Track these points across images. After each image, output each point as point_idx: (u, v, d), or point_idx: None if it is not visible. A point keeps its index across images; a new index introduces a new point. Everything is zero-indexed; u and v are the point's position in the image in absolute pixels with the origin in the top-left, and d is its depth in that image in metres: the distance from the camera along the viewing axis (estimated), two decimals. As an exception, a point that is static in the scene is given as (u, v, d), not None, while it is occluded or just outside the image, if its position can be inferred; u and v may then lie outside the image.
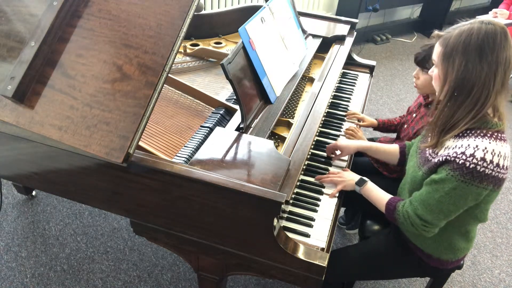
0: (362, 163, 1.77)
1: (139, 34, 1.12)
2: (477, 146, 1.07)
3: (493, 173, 1.07)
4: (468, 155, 1.07)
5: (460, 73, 1.08)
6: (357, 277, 1.64)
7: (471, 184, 1.08)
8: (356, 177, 1.39)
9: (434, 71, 1.18)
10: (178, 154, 1.30)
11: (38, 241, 2.00)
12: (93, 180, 1.23)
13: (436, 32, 1.18)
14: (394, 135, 1.87)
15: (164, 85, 1.20)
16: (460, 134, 1.13)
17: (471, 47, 1.06)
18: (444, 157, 1.11)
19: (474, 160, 1.06)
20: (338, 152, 1.55)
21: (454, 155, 1.09)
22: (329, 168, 1.51)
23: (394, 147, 1.53)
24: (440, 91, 1.16)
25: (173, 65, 1.77)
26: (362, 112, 1.88)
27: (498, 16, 3.38)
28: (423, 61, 1.50)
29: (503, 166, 1.08)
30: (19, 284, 1.81)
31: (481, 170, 1.06)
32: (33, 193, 2.24)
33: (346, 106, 1.88)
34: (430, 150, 1.22)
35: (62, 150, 1.19)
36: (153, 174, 1.12)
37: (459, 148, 1.10)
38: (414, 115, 1.66)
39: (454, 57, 1.09)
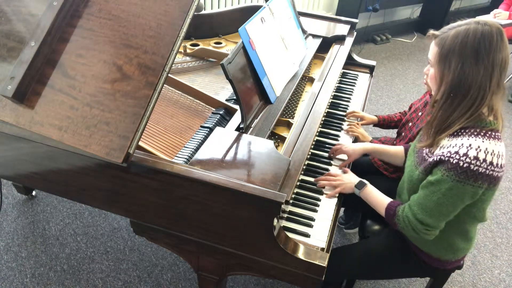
0: (362, 163, 1.77)
1: (139, 34, 1.12)
2: (470, 145, 1.08)
3: (487, 171, 1.07)
4: (461, 155, 1.07)
5: (456, 75, 1.09)
6: (357, 276, 1.64)
7: (466, 183, 1.08)
8: (355, 179, 1.39)
9: (430, 71, 1.18)
10: (178, 154, 1.30)
11: (38, 241, 2.00)
12: (93, 180, 1.23)
13: (431, 31, 1.17)
14: (394, 135, 1.87)
15: (164, 85, 1.20)
16: (455, 133, 1.14)
17: (467, 49, 1.07)
18: (439, 157, 1.12)
19: (468, 159, 1.06)
20: (341, 156, 1.55)
21: (448, 154, 1.10)
22: (329, 168, 1.51)
23: (399, 149, 1.53)
24: (437, 91, 1.16)
25: (173, 65, 1.77)
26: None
27: (497, 18, 3.38)
28: None
29: (497, 164, 1.08)
30: (19, 284, 1.81)
31: (474, 169, 1.06)
32: (33, 193, 2.24)
33: (346, 106, 1.88)
34: (427, 150, 1.22)
35: (62, 150, 1.19)
36: (153, 174, 1.12)
37: (453, 147, 1.10)
38: (420, 113, 1.66)
39: (450, 59, 1.09)
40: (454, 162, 1.08)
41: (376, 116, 1.89)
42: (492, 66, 1.06)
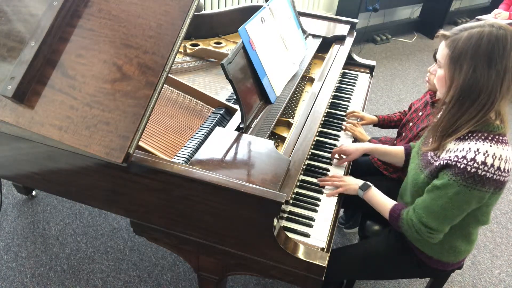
0: (362, 163, 1.77)
1: (139, 34, 1.12)
2: (478, 149, 1.06)
3: (495, 176, 1.06)
4: (469, 159, 1.06)
5: (467, 79, 1.06)
6: (357, 276, 1.64)
7: (473, 188, 1.07)
8: (359, 182, 1.39)
9: (439, 71, 1.16)
10: (178, 154, 1.30)
11: (38, 241, 2.00)
12: (93, 180, 1.23)
13: (441, 31, 1.14)
14: (394, 135, 1.87)
15: (164, 85, 1.20)
16: (462, 137, 1.12)
17: (480, 53, 1.04)
18: (446, 161, 1.11)
19: (475, 164, 1.05)
20: (343, 156, 1.55)
21: (455, 159, 1.08)
22: (330, 168, 1.51)
23: (400, 149, 1.52)
24: (445, 93, 1.14)
25: (173, 65, 1.77)
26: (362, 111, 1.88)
27: (498, 18, 3.39)
28: None
29: (504, 169, 1.07)
30: (19, 284, 1.81)
31: (482, 174, 1.05)
32: (33, 193, 2.24)
33: (346, 106, 1.88)
34: (432, 153, 1.21)
35: (62, 150, 1.19)
36: (153, 174, 1.12)
37: (460, 151, 1.09)
38: (420, 113, 1.66)
39: (462, 62, 1.07)
40: (461, 167, 1.07)
41: (376, 116, 1.89)
42: (504, 71, 1.04)
